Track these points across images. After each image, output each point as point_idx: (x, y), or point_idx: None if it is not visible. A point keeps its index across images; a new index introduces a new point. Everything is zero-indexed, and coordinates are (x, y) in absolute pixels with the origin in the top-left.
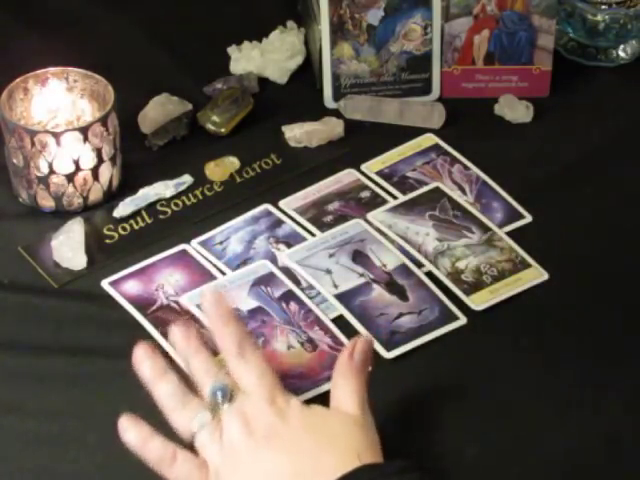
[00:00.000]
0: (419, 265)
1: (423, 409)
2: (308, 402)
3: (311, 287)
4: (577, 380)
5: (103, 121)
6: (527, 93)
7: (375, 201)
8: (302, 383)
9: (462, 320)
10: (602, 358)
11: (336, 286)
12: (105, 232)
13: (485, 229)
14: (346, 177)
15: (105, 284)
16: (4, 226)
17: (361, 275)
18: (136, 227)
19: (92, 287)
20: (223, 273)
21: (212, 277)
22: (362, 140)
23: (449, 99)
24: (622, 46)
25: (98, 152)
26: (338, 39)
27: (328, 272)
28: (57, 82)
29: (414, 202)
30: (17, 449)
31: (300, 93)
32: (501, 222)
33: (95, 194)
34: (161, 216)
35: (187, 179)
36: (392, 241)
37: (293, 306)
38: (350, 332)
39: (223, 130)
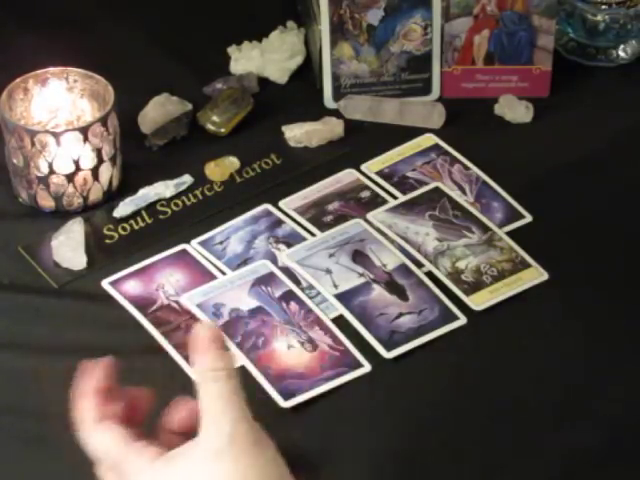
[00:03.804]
0: (419, 265)
1: (423, 409)
2: (308, 402)
3: (311, 287)
4: (577, 380)
5: (103, 121)
6: (527, 93)
7: (375, 201)
8: (302, 383)
9: (462, 320)
10: (602, 358)
11: (336, 286)
12: (105, 232)
13: (485, 229)
14: (346, 177)
15: (105, 284)
16: (4, 226)
17: (361, 275)
18: (136, 227)
19: (92, 287)
20: (223, 273)
21: (212, 277)
22: (362, 140)
23: (449, 99)
24: (622, 46)
25: (98, 152)
26: (338, 39)
27: (328, 272)
28: (57, 82)
29: (414, 202)
30: (17, 449)
31: (300, 93)
32: (501, 222)
33: (95, 194)
34: (161, 216)
35: (187, 179)
36: (392, 241)
37: (293, 306)
38: (350, 332)
39: (223, 130)
